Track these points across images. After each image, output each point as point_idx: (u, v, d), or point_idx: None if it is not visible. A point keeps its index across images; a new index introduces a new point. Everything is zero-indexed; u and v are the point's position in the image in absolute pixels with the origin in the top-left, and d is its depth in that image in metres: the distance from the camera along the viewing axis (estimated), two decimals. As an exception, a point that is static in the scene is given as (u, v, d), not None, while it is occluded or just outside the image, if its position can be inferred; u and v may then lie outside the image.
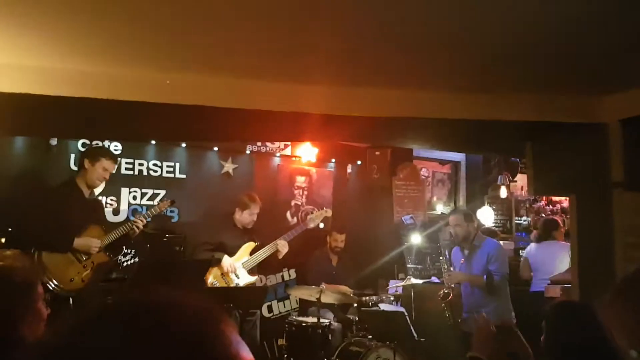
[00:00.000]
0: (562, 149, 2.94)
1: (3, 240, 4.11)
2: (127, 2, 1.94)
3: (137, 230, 4.09)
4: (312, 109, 2.57)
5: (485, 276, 4.46)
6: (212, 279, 4.81)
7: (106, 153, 4.14)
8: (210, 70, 2.55)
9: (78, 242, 3.81)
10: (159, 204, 4.46)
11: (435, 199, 7.51)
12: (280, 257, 5.07)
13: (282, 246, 5.00)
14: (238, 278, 4.89)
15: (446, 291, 4.56)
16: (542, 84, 2.59)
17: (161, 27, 2.16)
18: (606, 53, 2.11)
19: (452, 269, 4.78)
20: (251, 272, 5.00)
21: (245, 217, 5.01)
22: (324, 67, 2.41)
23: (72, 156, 5.01)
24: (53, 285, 3.66)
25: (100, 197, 5.25)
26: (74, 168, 4.95)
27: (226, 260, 4.85)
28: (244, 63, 2.42)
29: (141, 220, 4.10)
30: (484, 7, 1.83)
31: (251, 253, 5.02)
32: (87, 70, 2.52)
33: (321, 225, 5.52)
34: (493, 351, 1.93)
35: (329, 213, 5.42)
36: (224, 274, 4.85)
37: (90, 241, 3.85)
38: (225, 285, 4.78)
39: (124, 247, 4.38)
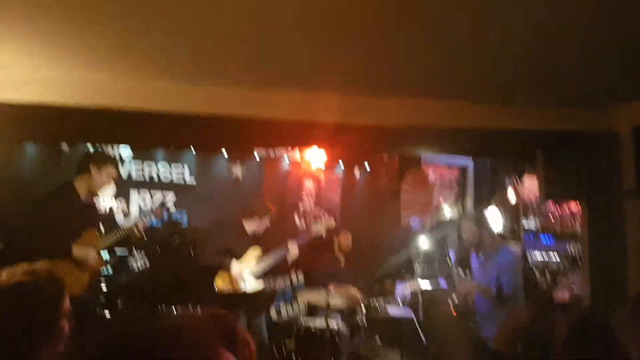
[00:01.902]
0: (573, 156, 2.93)
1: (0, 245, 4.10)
2: (140, 12, 1.97)
3: (137, 233, 4.07)
4: (323, 117, 2.59)
5: (495, 287, 4.39)
6: (222, 284, 4.84)
7: (113, 161, 4.15)
8: (222, 80, 2.58)
9: (76, 251, 3.79)
10: (154, 209, 4.44)
11: (443, 202, 7.51)
12: (290, 261, 5.14)
13: (293, 248, 5.06)
14: (245, 283, 4.93)
15: (457, 302, 4.50)
16: (553, 93, 2.60)
17: (174, 36, 2.19)
18: (618, 63, 2.12)
19: (464, 275, 4.72)
20: (258, 277, 5.04)
21: (261, 225, 5.09)
22: (334, 77, 2.42)
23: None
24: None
25: (111, 201, 5.32)
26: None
27: (235, 267, 4.89)
28: (256, 72, 2.44)
29: (141, 223, 4.09)
30: (495, 17, 1.85)
31: (258, 258, 5.07)
32: (97, 79, 2.56)
33: (343, 242, 5.71)
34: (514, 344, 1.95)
35: (332, 222, 5.51)
36: (232, 280, 4.89)
37: (88, 251, 3.83)
38: (233, 291, 4.81)
39: (132, 251, 4.37)
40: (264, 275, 5.11)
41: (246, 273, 4.94)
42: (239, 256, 4.96)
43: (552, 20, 1.86)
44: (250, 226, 5.10)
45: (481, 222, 4.70)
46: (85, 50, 2.38)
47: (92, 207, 4.23)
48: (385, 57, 2.14)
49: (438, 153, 6.09)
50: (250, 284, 4.94)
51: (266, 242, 5.20)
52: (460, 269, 4.78)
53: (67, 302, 1.67)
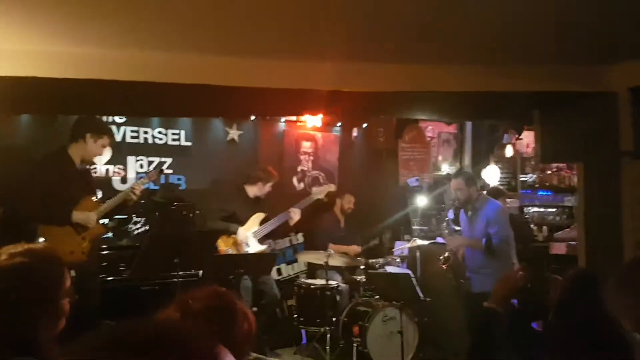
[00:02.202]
0: (570, 117, 2.90)
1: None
2: None
3: (134, 197, 4.07)
4: (319, 85, 2.55)
5: (484, 239, 4.49)
6: (225, 247, 4.92)
7: (108, 130, 4.10)
8: (216, 50, 2.52)
9: (77, 215, 3.79)
10: (148, 173, 4.43)
11: (441, 158, 7.50)
12: (292, 224, 5.24)
13: (295, 214, 5.14)
14: (249, 247, 5.01)
15: (447, 255, 4.62)
16: (549, 53, 2.54)
17: (167, 8, 2.11)
18: (615, 22, 2.06)
19: (455, 231, 4.82)
20: (260, 240, 5.12)
21: (263, 190, 5.14)
22: (330, 44, 2.37)
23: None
24: None
25: (107, 166, 5.31)
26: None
27: (240, 231, 4.96)
28: (250, 42, 2.38)
29: (138, 187, 4.08)
30: None
31: (261, 223, 5.13)
32: (92, 52, 2.50)
33: (345, 205, 5.76)
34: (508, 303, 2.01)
35: (333, 188, 5.51)
36: (237, 244, 4.97)
37: (89, 215, 3.84)
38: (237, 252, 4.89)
39: (131, 216, 4.39)
40: (266, 238, 5.18)
41: (250, 237, 5.01)
42: (242, 221, 5.01)
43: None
44: (253, 191, 5.14)
45: (470, 179, 4.74)
46: (78, 26, 2.31)
47: (88, 174, 4.22)
48: (377, 25, 2.09)
49: (434, 118, 6.08)
50: (253, 247, 5.02)
51: (266, 206, 5.23)
52: (452, 225, 4.86)
53: (67, 281, 1.66)
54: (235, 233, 4.93)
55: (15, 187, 4.04)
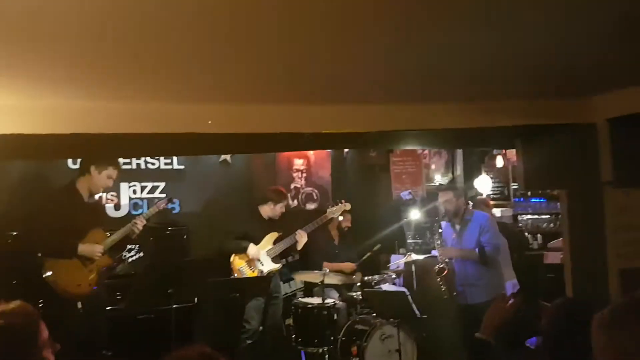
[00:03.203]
0: (551, 147, 2.95)
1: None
2: (129, 40, 1.89)
3: (137, 232, 4.14)
4: (304, 128, 2.59)
5: (477, 249, 4.54)
6: (239, 265, 5.03)
7: (113, 162, 4.16)
8: (203, 100, 2.56)
9: (82, 248, 3.86)
10: (157, 203, 4.49)
11: (433, 168, 7.55)
12: (299, 247, 5.27)
13: (301, 237, 5.20)
14: (262, 265, 5.09)
15: (441, 266, 4.65)
16: (528, 88, 2.58)
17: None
18: (591, 55, 2.10)
19: (444, 244, 4.86)
20: (274, 260, 5.19)
21: (275, 210, 5.22)
22: (313, 88, 2.41)
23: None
24: (62, 291, 3.74)
25: (101, 194, 5.31)
26: (72, 166, 4.98)
27: (252, 249, 5.03)
28: (235, 88, 2.42)
29: (140, 222, 4.15)
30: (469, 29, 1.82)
31: (275, 242, 5.21)
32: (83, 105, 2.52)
33: (340, 218, 5.70)
34: (502, 335, 2.02)
35: (348, 207, 5.51)
36: (250, 262, 5.06)
37: (94, 247, 3.91)
38: (251, 272, 5.03)
39: (127, 245, 4.42)
40: (278, 259, 5.24)
41: (263, 255, 5.11)
42: (256, 240, 5.10)
43: (521, 22, 1.82)
44: (265, 211, 5.24)
45: (457, 192, 4.79)
46: (74, 80, 2.32)
47: (95, 207, 4.33)
48: (359, 67, 2.12)
49: (417, 147, 6.18)
50: (267, 265, 5.12)
51: (281, 227, 5.30)
52: (444, 236, 4.89)
53: (44, 332, 1.68)
54: (246, 250, 5.01)
55: (26, 218, 4.11)
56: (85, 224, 3.98)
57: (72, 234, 3.88)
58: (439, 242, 4.88)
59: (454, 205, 4.65)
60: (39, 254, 3.81)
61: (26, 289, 3.77)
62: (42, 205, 4.05)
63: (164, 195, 5.52)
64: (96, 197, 4.27)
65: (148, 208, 5.03)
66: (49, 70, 2.08)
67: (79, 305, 3.80)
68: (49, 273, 3.76)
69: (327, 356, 4.85)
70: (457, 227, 4.72)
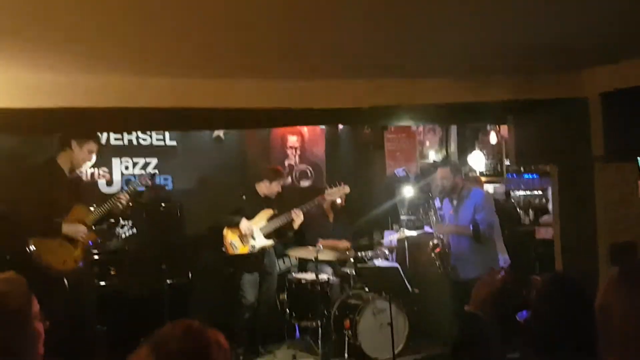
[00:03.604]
0: (543, 121, 2.94)
1: None
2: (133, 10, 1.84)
3: (120, 206, 4.08)
4: (293, 104, 2.56)
5: (471, 226, 4.58)
6: (231, 239, 5.05)
7: (94, 135, 4.08)
8: (192, 74, 2.52)
9: (66, 229, 3.81)
10: (138, 178, 4.45)
11: (427, 145, 7.53)
12: (296, 226, 5.26)
13: (297, 216, 5.18)
14: (254, 240, 5.09)
15: (436, 242, 4.69)
16: (520, 62, 2.56)
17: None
18: (584, 27, 2.07)
19: (440, 220, 4.89)
20: (267, 236, 5.19)
21: (271, 188, 5.22)
22: (304, 64, 2.38)
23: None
24: (46, 268, 3.71)
25: (92, 170, 5.28)
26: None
27: (244, 224, 5.02)
28: (224, 63, 2.38)
29: (124, 197, 4.11)
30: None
31: (269, 219, 5.20)
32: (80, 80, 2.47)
33: (338, 201, 5.69)
34: (491, 308, 2.03)
35: (347, 190, 5.47)
36: (242, 236, 5.07)
37: (78, 227, 3.85)
38: (243, 246, 5.05)
39: (113, 220, 4.38)
40: (273, 235, 5.24)
41: (256, 231, 5.12)
42: (250, 216, 5.09)
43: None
44: (262, 189, 5.23)
45: (455, 168, 4.80)
46: (74, 54, 2.28)
47: (78, 182, 4.24)
48: (355, 41, 2.09)
49: (410, 123, 6.14)
50: (259, 241, 5.13)
51: (277, 206, 5.28)
52: (439, 212, 4.92)
53: (35, 305, 1.68)
54: (238, 224, 5.02)
55: (6, 196, 4.02)
56: (68, 200, 3.91)
57: (55, 211, 3.81)
58: (434, 218, 4.91)
59: (451, 182, 4.68)
60: (23, 234, 3.77)
61: (10, 266, 3.73)
62: (23, 182, 3.96)
63: (156, 171, 5.50)
64: (77, 172, 4.17)
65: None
66: (27, 44, 2.03)
67: (65, 281, 3.78)
68: (33, 248, 3.71)
69: (320, 330, 4.92)
70: (455, 202, 4.76)
